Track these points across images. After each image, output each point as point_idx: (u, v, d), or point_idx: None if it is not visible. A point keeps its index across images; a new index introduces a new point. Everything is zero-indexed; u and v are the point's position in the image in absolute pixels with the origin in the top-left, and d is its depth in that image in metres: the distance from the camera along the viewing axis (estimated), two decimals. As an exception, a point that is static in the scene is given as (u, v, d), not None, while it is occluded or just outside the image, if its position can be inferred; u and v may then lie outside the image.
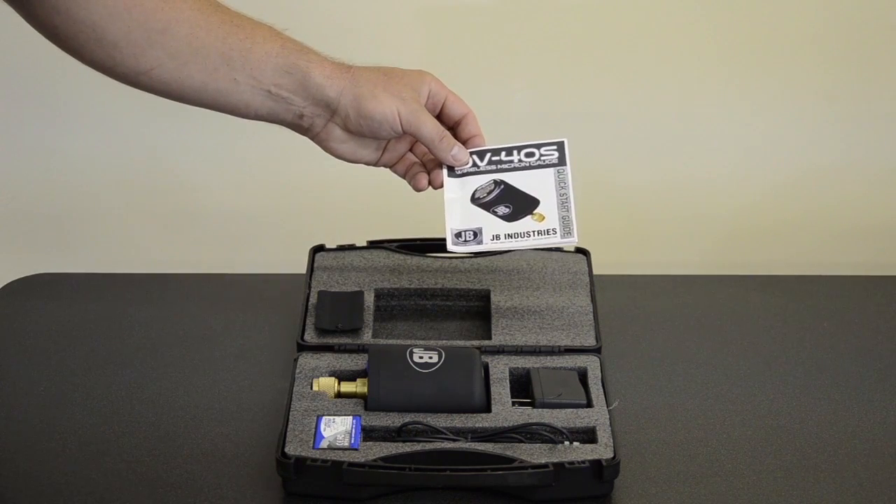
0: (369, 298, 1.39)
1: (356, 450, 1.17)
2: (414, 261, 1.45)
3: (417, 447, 1.18)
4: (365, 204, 1.76)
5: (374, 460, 1.16)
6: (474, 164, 1.31)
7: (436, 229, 1.53)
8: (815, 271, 1.62)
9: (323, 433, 1.19)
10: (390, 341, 1.34)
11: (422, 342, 1.31)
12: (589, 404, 1.24)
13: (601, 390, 1.26)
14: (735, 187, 1.82)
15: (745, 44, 1.76)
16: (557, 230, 1.28)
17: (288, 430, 1.19)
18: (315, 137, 1.26)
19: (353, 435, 1.19)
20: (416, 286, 1.42)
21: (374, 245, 1.47)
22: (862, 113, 1.78)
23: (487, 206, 1.29)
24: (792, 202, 1.82)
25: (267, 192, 1.82)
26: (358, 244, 1.47)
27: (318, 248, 1.47)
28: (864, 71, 1.77)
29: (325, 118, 1.24)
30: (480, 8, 1.74)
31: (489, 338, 1.34)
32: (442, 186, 1.29)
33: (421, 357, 1.25)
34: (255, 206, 1.84)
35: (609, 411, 1.22)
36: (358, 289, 1.41)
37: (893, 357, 1.39)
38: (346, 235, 1.47)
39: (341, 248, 1.47)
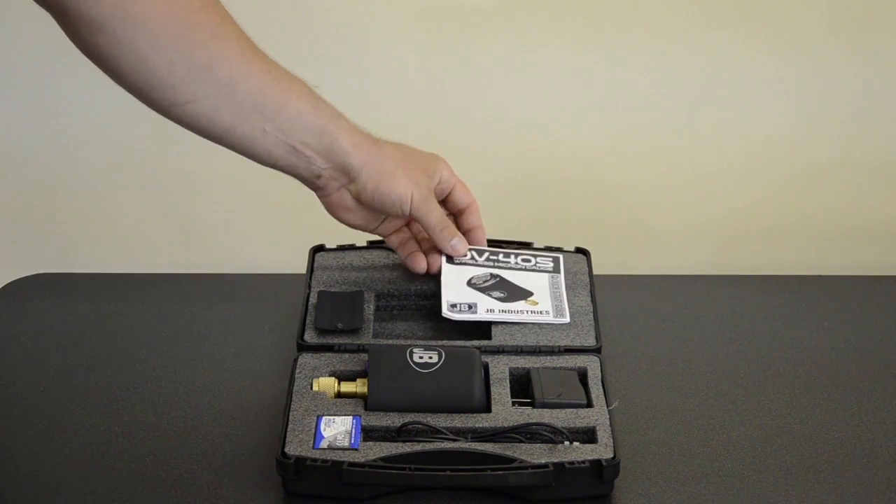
0: (369, 298, 1.39)
1: (356, 450, 1.17)
2: (414, 261, 1.45)
3: (417, 447, 1.18)
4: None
5: (374, 460, 1.16)
6: (472, 258, 1.40)
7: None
8: (815, 271, 1.62)
9: (323, 433, 1.19)
10: (390, 341, 1.34)
11: (422, 342, 1.31)
12: (589, 404, 1.24)
13: (601, 390, 1.26)
14: (735, 187, 1.82)
15: (744, 43, 1.76)
16: (550, 312, 1.36)
17: (288, 430, 1.19)
18: (325, 198, 1.31)
19: (353, 435, 1.19)
20: (416, 286, 1.42)
21: (374, 245, 1.47)
22: (862, 112, 1.78)
23: (483, 291, 1.38)
24: (792, 202, 1.82)
25: (267, 192, 1.82)
26: (358, 244, 1.47)
27: (318, 248, 1.47)
28: (864, 71, 1.77)
29: (341, 183, 1.29)
30: (480, 8, 1.74)
31: (489, 338, 1.34)
32: (439, 272, 1.38)
33: (421, 357, 1.25)
34: (255, 206, 1.84)
35: (609, 411, 1.22)
36: (358, 289, 1.41)
37: (893, 357, 1.39)
38: (346, 235, 1.47)
39: (341, 248, 1.47)
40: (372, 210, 1.32)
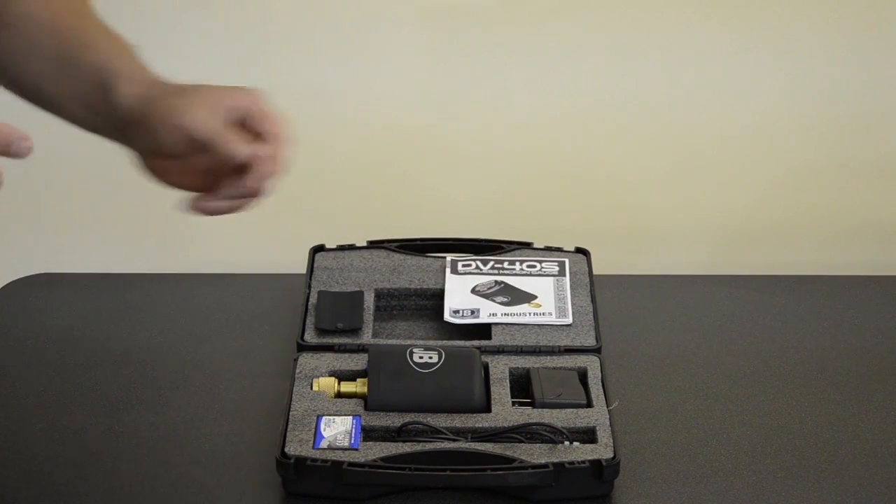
0: (369, 298, 1.39)
1: (356, 450, 1.17)
2: (414, 261, 1.45)
3: (417, 447, 1.18)
4: (365, 204, 1.76)
5: (374, 460, 1.16)
6: (477, 267, 1.41)
7: (436, 229, 1.53)
8: (815, 271, 1.62)
9: (323, 433, 1.19)
10: (390, 341, 1.34)
11: (422, 342, 1.31)
12: (589, 404, 1.24)
13: (601, 390, 1.26)
14: (735, 187, 1.82)
15: (744, 44, 1.76)
16: (553, 313, 1.36)
17: (288, 430, 1.19)
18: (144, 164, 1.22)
19: (353, 435, 1.19)
20: (416, 286, 1.42)
21: (374, 245, 1.47)
22: (862, 112, 1.78)
23: (486, 297, 1.38)
24: (791, 202, 1.81)
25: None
26: (358, 244, 1.47)
27: (318, 248, 1.47)
28: (864, 70, 1.77)
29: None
30: (480, 8, 1.74)
31: (489, 338, 1.34)
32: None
33: (421, 357, 1.25)
34: (256, 206, 1.84)
35: (609, 411, 1.22)
36: (358, 289, 1.41)
37: (893, 357, 1.39)
38: (346, 235, 1.47)
39: (341, 248, 1.47)
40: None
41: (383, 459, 1.16)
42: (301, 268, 1.44)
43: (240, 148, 1.11)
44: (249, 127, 1.12)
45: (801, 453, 1.24)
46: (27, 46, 1.15)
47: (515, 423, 1.20)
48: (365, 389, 1.24)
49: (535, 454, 1.17)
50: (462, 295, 1.39)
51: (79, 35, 1.15)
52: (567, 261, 1.44)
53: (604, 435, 1.19)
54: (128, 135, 1.16)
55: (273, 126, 1.12)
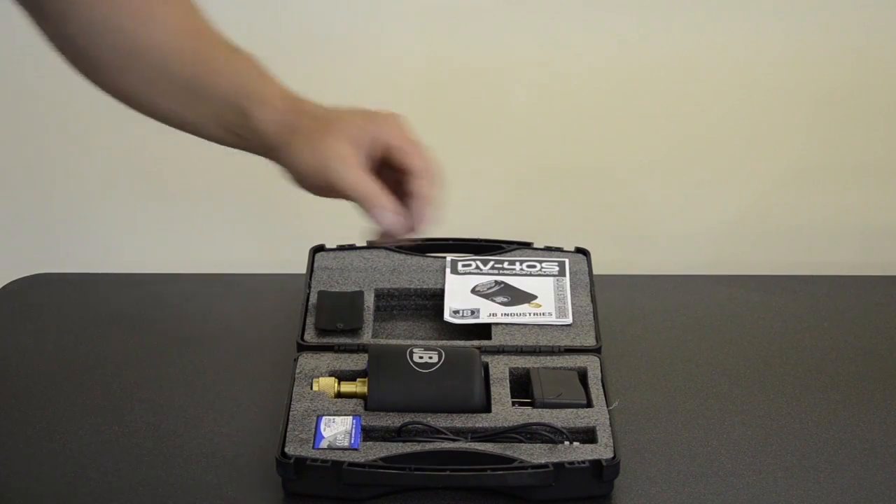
0: (369, 298, 1.39)
1: (356, 450, 1.17)
2: (414, 261, 1.45)
3: (417, 447, 1.18)
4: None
5: (374, 460, 1.16)
6: (477, 267, 1.41)
7: (436, 229, 1.53)
8: (815, 271, 1.62)
9: (323, 433, 1.19)
10: (390, 341, 1.34)
11: (422, 342, 1.31)
12: (589, 404, 1.24)
13: (601, 390, 1.26)
14: (735, 187, 1.82)
15: (744, 43, 1.76)
16: (553, 313, 1.36)
17: (288, 430, 1.19)
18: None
19: (353, 435, 1.19)
20: (416, 286, 1.42)
21: (374, 245, 1.47)
22: (862, 112, 1.78)
23: (486, 297, 1.38)
24: (792, 202, 1.82)
25: (267, 192, 1.82)
26: (358, 244, 1.47)
27: (318, 248, 1.47)
28: (864, 70, 1.77)
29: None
30: (480, 8, 1.74)
31: (489, 338, 1.34)
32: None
33: (421, 357, 1.25)
34: (256, 206, 1.84)
35: (609, 411, 1.22)
36: (358, 289, 1.41)
37: (893, 357, 1.39)
38: (346, 235, 1.47)
39: (341, 248, 1.47)
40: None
41: (383, 459, 1.16)
42: (301, 268, 1.44)
43: (386, 218, 1.11)
44: (394, 161, 1.13)
45: (801, 453, 1.24)
46: (158, 76, 1.15)
47: (515, 423, 1.20)
48: (365, 389, 1.24)
49: (535, 454, 1.17)
50: (462, 295, 1.39)
51: (208, 60, 1.16)
52: (567, 261, 1.44)
53: (604, 435, 1.19)
54: (272, 157, 1.17)
55: (420, 163, 1.12)
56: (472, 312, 1.36)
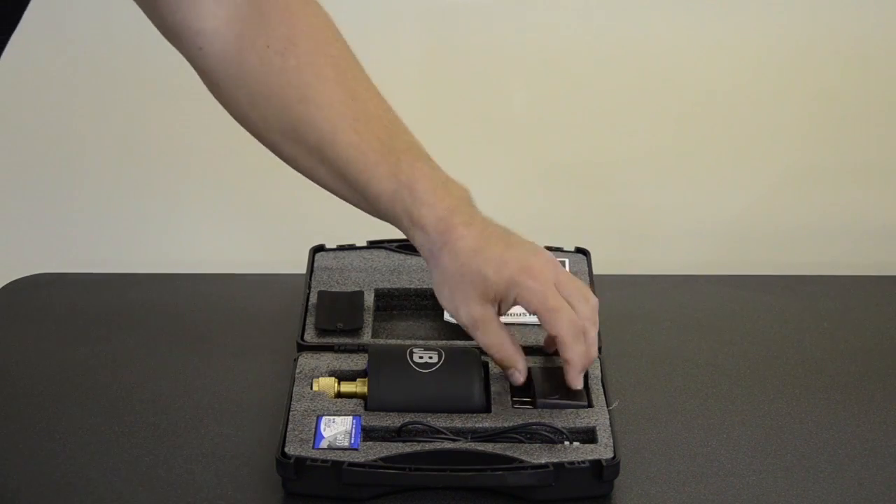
0: (369, 298, 1.39)
1: (356, 450, 1.17)
2: (414, 261, 1.45)
3: (417, 447, 1.18)
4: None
5: (374, 460, 1.16)
6: None
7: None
8: (815, 271, 1.62)
9: (323, 433, 1.19)
10: (390, 341, 1.34)
11: (422, 342, 1.31)
12: (589, 404, 1.24)
13: (601, 390, 1.26)
14: (735, 187, 1.82)
15: (744, 44, 1.76)
16: None
17: (288, 430, 1.19)
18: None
19: (353, 435, 1.19)
20: (416, 286, 1.42)
21: (374, 245, 1.47)
22: (862, 113, 1.78)
23: None
24: (792, 202, 1.82)
25: (267, 192, 1.82)
26: (358, 244, 1.47)
27: (318, 248, 1.47)
28: (864, 70, 1.77)
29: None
30: (481, 8, 1.74)
31: (489, 338, 1.34)
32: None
33: (421, 357, 1.25)
34: (256, 206, 1.84)
35: (609, 411, 1.23)
36: (358, 289, 1.41)
37: (893, 357, 1.39)
38: (346, 235, 1.47)
39: (341, 248, 1.47)
40: None
41: (383, 459, 1.16)
42: (301, 268, 1.44)
43: (519, 380, 1.23)
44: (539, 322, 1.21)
45: (801, 453, 1.24)
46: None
47: (515, 423, 1.20)
48: (365, 389, 1.24)
49: (535, 454, 1.17)
50: None
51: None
52: (567, 261, 1.43)
53: (604, 435, 1.19)
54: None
55: (564, 331, 1.20)
56: None
